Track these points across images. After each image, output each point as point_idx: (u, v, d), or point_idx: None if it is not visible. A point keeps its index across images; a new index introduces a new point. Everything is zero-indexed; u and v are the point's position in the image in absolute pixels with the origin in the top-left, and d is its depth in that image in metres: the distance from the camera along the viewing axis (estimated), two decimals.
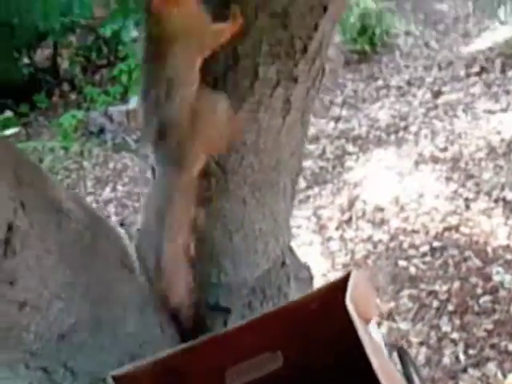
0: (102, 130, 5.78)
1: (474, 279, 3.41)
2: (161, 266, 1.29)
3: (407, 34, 5.82)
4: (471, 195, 4.16)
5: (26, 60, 6.50)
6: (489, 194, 4.12)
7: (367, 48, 5.40)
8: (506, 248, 3.56)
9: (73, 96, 6.56)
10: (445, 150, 4.55)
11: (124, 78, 5.90)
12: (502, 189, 4.15)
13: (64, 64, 6.90)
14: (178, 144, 1.19)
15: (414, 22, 5.97)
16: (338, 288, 1.07)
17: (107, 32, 5.30)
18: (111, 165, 5.42)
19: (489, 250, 3.57)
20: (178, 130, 1.18)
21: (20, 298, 0.97)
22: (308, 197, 4.35)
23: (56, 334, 1.06)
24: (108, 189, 5.10)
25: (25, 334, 1.00)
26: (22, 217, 0.96)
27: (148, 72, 1.17)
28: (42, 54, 6.75)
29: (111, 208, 4.81)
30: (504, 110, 4.77)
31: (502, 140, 4.52)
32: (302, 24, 1.18)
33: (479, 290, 3.32)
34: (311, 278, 1.90)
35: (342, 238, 3.95)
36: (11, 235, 0.93)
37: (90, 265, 1.15)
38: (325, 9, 1.18)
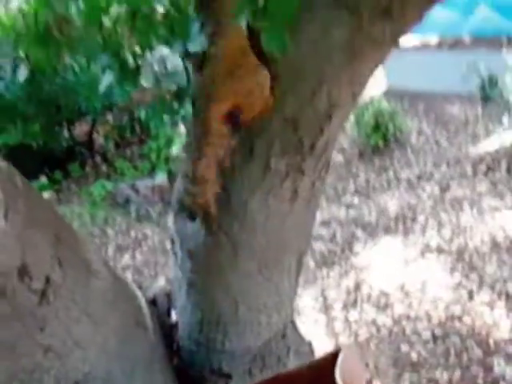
0: (127, 201, 6.13)
1: (475, 369, 3.48)
2: (196, 175, 1.50)
3: (419, 132, 6.22)
4: (474, 287, 4.29)
5: (66, 133, 7.00)
6: (492, 286, 4.25)
7: (380, 143, 5.78)
8: (508, 341, 3.65)
9: (104, 168, 6.98)
10: (450, 241, 4.74)
11: (153, 156, 6.30)
12: (505, 282, 4.28)
13: (99, 139, 7.40)
14: None
15: (426, 122, 6.38)
16: (329, 361, 1.21)
17: (142, 114, 5.78)
18: (133, 233, 5.70)
19: (491, 341, 3.66)
20: None
21: (46, 342, 1.10)
22: (316, 277, 4.54)
23: (72, 381, 1.17)
24: (127, 256, 5.35)
25: (46, 378, 1.11)
26: (57, 272, 1.14)
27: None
28: (81, 129, 7.26)
29: (128, 274, 5.02)
30: (509, 208, 5.00)
31: (506, 236, 4.70)
32: (309, 128, 1.47)
33: (480, 381, 3.38)
34: (312, 352, 2.03)
35: (346, 320, 4.07)
36: (47, 287, 1.10)
37: (110, 320, 1.30)
38: (329, 117, 1.47)
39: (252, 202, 1.58)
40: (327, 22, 1.25)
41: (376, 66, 1.44)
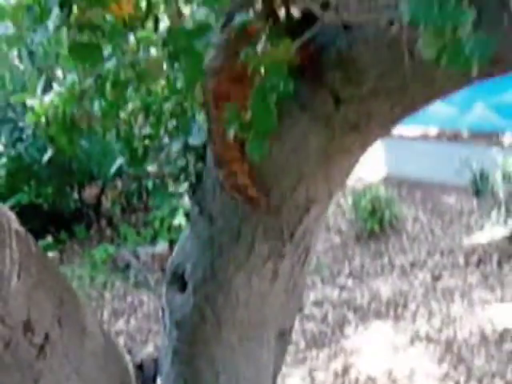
0: (127, 266, 6.28)
1: None
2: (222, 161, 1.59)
3: (415, 220, 6.44)
4: (462, 379, 4.33)
5: (75, 195, 7.28)
6: (480, 380, 4.30)
7: (376, 228, 6.00)
8: None
9: (108, 232, 7.19)
10: (440, 331, 4.82)
11: (156, 224, 6.50)
12: (493, 377, 4.32)
13: (107, 203, 7.66)
14: None
15: (422, 210, 6.62)
16: None
17: (149, 184, 6.07)
18: (129, 299, 5.81)
19: None
20: None
21: None
22: (306, 358, 4.61)
23: None
24: (122, 321, 5.44)
25: None
26: (56, 330, 1.30)
27: None
28: (90, 192, 7.54)
29: (121, 339, 5.10)
30: (498, 301, 5.10)
31: (495, 330, 4.77)
32: (289, 218, 1.68)
33: None
34: None
35: None
36: (46, 343, 1.25)
37: (98, 381, 1.45)
38: (308, 210, 1.68)
39: (236, 280, 1.76)
40: (306, 131, 1.48)
41: (350, 168, 1.66)
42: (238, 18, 1.39)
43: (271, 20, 1.41)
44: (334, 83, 1.36)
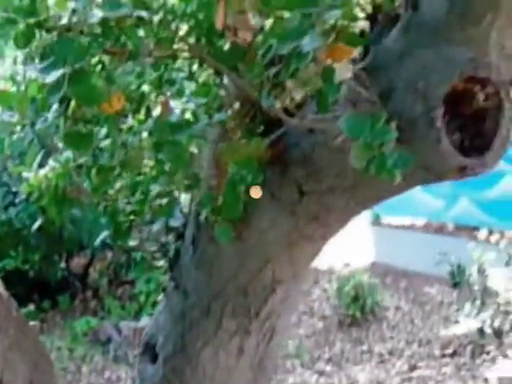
0: (108, 340, 6.23)
1: None
2: None
3: (397, 308, 6.52)
4: None
5: (63, 264, 7.30)
6: None
7: (358, 314, 6.06)
8: None
9: (93, 304, 7.16)
10: None
11: (142, 298, 6.53)
12: None
13: (94, 274, 7.68)
14: None
15: (404, 300, 6.71)
16: None
17: (138, 256, 6.15)
18: (107, 374, 5.74)
19: None
20: None
21: None
22: None
23: None
24: None
25: None
26: None
27: None
28: (78, 262, 7.58)
29: None
30: None
31: None
32: (256, 297, 1.82)
33: None
34: None
35: None
36: None
37: None
38: (273, 290, 1.82)
39: (204, 354, 1.87)
40: (274, 217, 1.65)
41: (314, 254, 1.82)
42: (217, 116, 1.60)
43: (247, 119, 1.62)
44: (298, 178, 1.55)
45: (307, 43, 1.14)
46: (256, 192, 1.48)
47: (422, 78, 1.26)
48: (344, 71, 1.21)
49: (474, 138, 1.27)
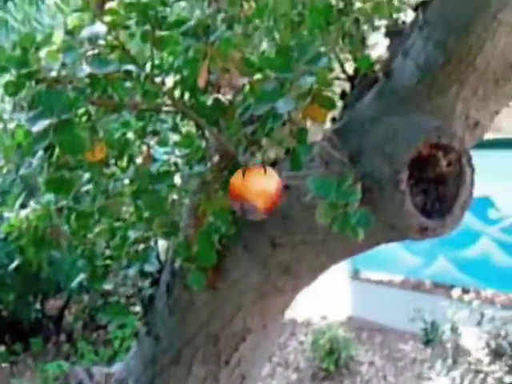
0: None
1: None
2: None
3: (370, 364, 6.48)
4: None
5: (37, 305, 7.18)
6: None
7: (332, 368, 6.02)
8: None
9: (66, 347, 7.03)
10: None
11: (116, 343, 6.42)
12: None
13: (69, 317, 7.56)
14: None
15: (379, 355, 6.68)
16: None
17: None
18: None
19: None
20: None
21: None
22: None
23: None
24: None
25: None
26: None
27: None
28: (54, 304, 7.46)
29: None
30: None
31: None
32: (227, 345, 1.85)
33: None
34: None
35: None
36: None
37: None
38: (244, 338, 1.85)
39: None
40: (247, 268, 1.70)
41: (285, 306, 1.86)
42: (197, 168, 1.66)
43: (225, 173, 1.69)
44: (271, 231, 1.61)
45: (282, 105, 1.21)
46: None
47: (389, 142, 1.35)
48: (315, 133, 1.29)
49: (436, 201, 1.35)
